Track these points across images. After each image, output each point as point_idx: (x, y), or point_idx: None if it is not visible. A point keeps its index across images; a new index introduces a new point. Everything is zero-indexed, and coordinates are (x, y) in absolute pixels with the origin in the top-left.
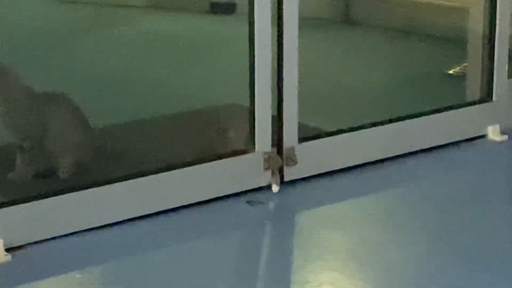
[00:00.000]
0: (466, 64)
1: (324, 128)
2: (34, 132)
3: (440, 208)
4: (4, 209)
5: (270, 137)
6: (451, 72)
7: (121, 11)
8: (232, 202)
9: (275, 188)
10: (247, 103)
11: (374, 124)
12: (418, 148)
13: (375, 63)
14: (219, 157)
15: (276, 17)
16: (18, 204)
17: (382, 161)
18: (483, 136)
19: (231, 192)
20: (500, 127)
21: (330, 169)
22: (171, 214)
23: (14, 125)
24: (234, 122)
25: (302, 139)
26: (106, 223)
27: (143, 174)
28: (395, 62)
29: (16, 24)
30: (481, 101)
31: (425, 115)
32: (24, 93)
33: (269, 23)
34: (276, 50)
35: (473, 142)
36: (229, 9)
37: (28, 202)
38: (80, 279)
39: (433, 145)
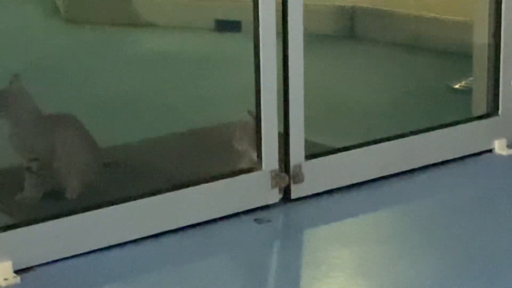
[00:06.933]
0: (471, 78)
1: (331, 144)
2: (42, 154)
3: (449, 223)
4: (13, 231)
5: (277, 155)
6: (456, 86)
7: (126, 31)
8: (240, 220)
9: None
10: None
11: (380, 140)
12: (425, 164)
13: (381, 78)
14: (226, 175)
15: (281, 34)
16: (26, 225)
17: (389, 177)
18: (489, 151)
19: (238, 210)
20: (507, 141)
21: (337, 186)
22: (179, 233)
23: (22, 146)
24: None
25: (309, 156)
26: (114, 244)
27: (150, 194)
28: (401, 77)
29: (21, 45)
30: (487, 115)
31: (431, 130)
32: (33, 114)
33: (274, 40)
34: (281, 67)
35: (480, 156)
36: (234, 26)
37: (37, 223)
38: None
39: (440, 160)
